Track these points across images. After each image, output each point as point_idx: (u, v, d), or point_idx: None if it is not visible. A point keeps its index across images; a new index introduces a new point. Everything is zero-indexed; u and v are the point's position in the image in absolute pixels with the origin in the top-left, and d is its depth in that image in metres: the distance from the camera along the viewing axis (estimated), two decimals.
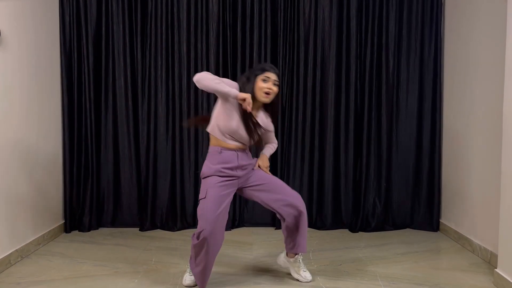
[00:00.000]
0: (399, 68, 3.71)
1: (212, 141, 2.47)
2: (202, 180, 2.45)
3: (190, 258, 2.48)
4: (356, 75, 3.70)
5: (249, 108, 2.25)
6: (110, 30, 3.62)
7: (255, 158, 2.61)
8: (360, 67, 3.71)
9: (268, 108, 2.51)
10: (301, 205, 2.48)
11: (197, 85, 2.30)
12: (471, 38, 3.22)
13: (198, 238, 2.30)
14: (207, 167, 2.43)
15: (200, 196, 2.38)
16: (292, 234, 2.56)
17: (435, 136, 3.68)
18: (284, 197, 2.48)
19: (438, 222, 3.70)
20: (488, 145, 2.97)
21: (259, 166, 2.57)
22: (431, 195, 3.71)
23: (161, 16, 3.61)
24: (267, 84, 2.37)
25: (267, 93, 2.38)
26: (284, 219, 2.53)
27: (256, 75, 2.40)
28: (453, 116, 3.49)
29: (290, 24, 3.67)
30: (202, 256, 2.32)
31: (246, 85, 2.39)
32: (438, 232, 3.68)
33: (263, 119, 2.50)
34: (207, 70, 3.65)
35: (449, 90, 3.58)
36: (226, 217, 2.38)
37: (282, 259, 2.73)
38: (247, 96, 2.25)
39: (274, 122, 2.57)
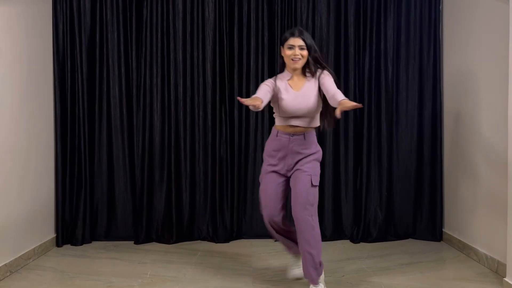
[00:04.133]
0: (398, 75, 3.67)
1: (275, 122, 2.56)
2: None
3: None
4: (355, 83, 3.65)
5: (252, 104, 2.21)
6: (105, 38, 3.56)
7: (317, 151, 2.52)
8: (359, 74, 3.66)
9: (307, 70, 2.47)
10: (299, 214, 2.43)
11: None
12: (470, 43, 3.19)
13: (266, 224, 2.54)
14: (265, 148, 2.57)
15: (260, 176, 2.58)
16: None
17: (436, 143, 3.62)
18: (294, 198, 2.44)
19: (441, 232, 3.62)
20: (492, 150, 2.91)
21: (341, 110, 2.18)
22: (434, 203, 3.64)
23: (157, 24, 3.56)
24: (292, 51, 2.39)
25: (293, 60, 2.39)
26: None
27: (282, 44, 2.45)
28: (454, 122, 3.44)
29: None
30: (277, 236, 2.58)
31: (281, 64, 2.54)
32: (441, 242, 3.59)
33: (309, 86, 2.44)
34: (204, 78, 3.60)
35: (449, 96, 3.54)
36: (282, 200, 2.52)
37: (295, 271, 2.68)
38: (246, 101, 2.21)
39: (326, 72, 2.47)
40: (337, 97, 2.21)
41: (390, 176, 3.68)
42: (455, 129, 3.44)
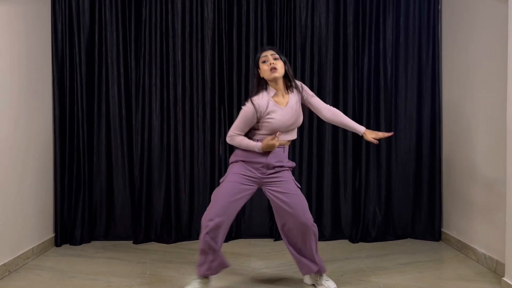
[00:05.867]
0: (397, 75, 3.67)
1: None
2: (229, 165, 2.53)
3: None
4: (354, 82, 3.65)
5: (276, 143, 2.33)
6: (103, 38, 3.56)
7: (290, 162, 2.55)
8: (358, 74, 3.66)
9: (289, 84, 2.51)
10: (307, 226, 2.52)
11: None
12: (469, 43, 3.19)
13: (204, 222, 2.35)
14: (235, 155, 2.50)
15: (221, 179, 2.48)
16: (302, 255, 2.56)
17: (435, 143, 3.62)
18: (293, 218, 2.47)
19: (440, 231, 3.62)
20: (490, 150, 2.92)
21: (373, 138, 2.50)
22: (432, 203, 3.64)
23: (156, 23, 3.55)
24: (268, 62, 2.41)
25: (272, 69, 2.39)
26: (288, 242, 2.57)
27: (257, 65, 2.48)
28: (453, 122, 3.45)
29: (286, 32, 3.62)
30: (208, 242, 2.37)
31: (256, 86, 2.49)
32: (440, 241, 3.59)
33: (293, 99, 2.48)
34: (203, 78, 3.60)
35: (448, 96, 3.54)
36: (239, 208, 2.43)
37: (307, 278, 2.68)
38: (269, 144, 2.34)
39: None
40: (348, 123, 2.56)
41: (389, 176, 3.68)
42: (454, 129, 3.44)
